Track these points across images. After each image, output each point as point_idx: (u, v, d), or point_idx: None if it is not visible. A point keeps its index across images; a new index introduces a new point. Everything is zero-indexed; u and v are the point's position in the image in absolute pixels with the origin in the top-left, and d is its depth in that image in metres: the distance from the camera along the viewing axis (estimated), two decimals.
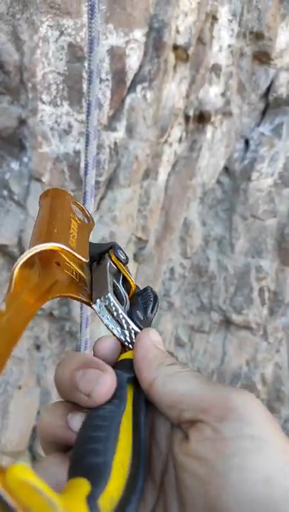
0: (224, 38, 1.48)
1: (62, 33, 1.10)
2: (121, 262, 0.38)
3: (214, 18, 1.43)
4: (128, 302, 0.37)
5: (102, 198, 1.32)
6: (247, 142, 1.68)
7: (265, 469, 0.23)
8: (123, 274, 0.38)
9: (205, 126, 1.57)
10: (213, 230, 1.74)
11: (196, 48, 1.40)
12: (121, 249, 0.40)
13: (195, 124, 1.57)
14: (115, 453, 0.26)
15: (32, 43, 1.08)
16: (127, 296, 0.38)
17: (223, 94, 1.55)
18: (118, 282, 0.38)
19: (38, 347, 1.50)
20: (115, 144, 1.26)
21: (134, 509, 0.25)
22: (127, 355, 0.34)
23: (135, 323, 0.35)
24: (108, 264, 0.38)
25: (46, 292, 0.33)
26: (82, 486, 0.24)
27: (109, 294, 0.34)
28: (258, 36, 1.56)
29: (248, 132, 1.69)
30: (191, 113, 1.47)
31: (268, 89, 1.64)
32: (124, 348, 0.35)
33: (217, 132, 1.61)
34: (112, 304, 0.34)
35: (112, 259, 0.38)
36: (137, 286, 0.39)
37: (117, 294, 0.37)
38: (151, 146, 1.35)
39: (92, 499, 0.23)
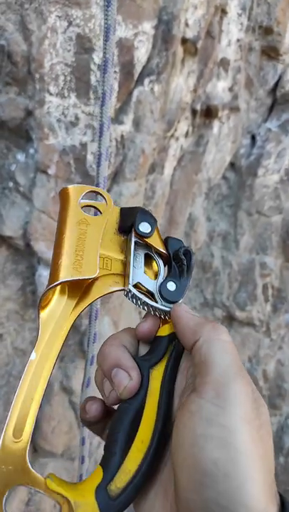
0: (233, 32, 1.46)
1: (70, 24, 1.09)
2: (144, 236, 0.40)
3: (223, 12, 1.41)
4: (162, 272, 0.40)
5: (107, 192, 1.32)
6: (254, 138, 1.67)
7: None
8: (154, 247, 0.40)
9: (212, 121, 1.56)
10: (218, 226, 1.73)
11: (205, 41, 1.38)
12: (145, 215, 0.40)
13: (202, 119, 1.55)
14: (137, 434, 0.32)
15: (40, 34, 1.07)
16: (161, 265, 0.40)
17: (230, 89, 1.54)
18: (152, 252, 0.41)
19: None
20: (122, 137, 1.25)
21: (142, 476, 0.31)
22: (164, 329, 0.38)
23: (164, 299, 0.38)
24: (132, 243, 0.40)
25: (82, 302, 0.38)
26: (97, 476, 0.31)
27: (129, 287, 0.38)
28: (267, 31, 1.55)
29: (254, 128, 1.68)
30: (198, 107, 1.46)
31: (276, 84, 1.63)
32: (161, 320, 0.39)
33: (224, 127, 1.60)
34: (134, 295, 0.38)
35: (136, 236, 0.40)
36: (169, 253, 0.40)
37: (150, 266, 0.40)
38: (157, 140, 1.34)
39: (100, 489, 0.30)
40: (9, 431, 0.33)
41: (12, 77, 1.10)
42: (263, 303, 1.75)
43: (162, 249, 0.40)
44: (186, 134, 1.52)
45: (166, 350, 0.36)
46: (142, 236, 0.40)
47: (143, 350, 0.38)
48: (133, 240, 0.40)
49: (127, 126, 1.25)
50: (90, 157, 1.21)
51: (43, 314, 0.37)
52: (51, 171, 1.19)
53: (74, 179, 1.22)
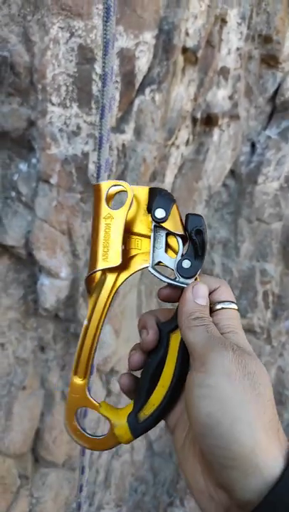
0: (233, 40, 1.48)
1: (72, 35, 1.10)
2: (160, 221, 0.45)
3: (223, 21, 1.42)
4: (181, 251, 0.45)
5: None
6: (253, 145, 1.68)
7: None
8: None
9: (212, 129, 1.56)
10: (219, 233, 1.74)
11: (205, 50, 1.39)
12: (162, 200, 0.45)
13: (202, 127, 1.56)
14: (160, 377, 0.43)
15: (42, 45, 1.07)
16: (180, 244, 0.45)
17: (230, 97, 1.55)
18: (171, 232, 0.46)
19: (42, 348, 1.49)
20: (123, 145, 1.25)
21: (162, 410, 0.43)
22: None
23: (181, 276, 0.45)
24: (152, 226, 0.46)
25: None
26: (129, 407, 0.44)
27: (149, 268, 0.46)
28: (267, 39, 1.56)
29: (254, 135, 1.68)
30: (198, 116, 1.47)
31: (275, 92, 1.64)
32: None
33: (224, 135, 1.61)
34: (155, 274, 0.45)
35: (154, 221, 0.45)
36: (187, 233, 0.45)
37: (172, 244, 0.46)
38: (158, 149, 1.34)
39: (130, 416, 0.44)
40: (75, 373, 0.48)
41: (15, 88, 1.10)
42: (264, 310, 1.75)
43: (179, 231, 0.45)
44: (187, 142, 1.52)
45: None
46: (158, 221, 0.45)
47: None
48: (153, 224, 0.45)
49: (128, 135, 1.26)
50: (91, 166, 1.21)
51: (91, 290, 0.47)
52: (53, 181, 1.19)
53: (76, 188, 1.23)
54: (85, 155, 1.20)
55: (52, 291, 1.32)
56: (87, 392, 0.48)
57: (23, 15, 1.05)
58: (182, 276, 0.45)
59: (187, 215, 0.46)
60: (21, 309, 1.41)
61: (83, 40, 1.11)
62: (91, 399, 0.48)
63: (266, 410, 0.34)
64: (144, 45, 1.21)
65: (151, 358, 0.44)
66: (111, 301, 0.47)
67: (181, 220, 0.46)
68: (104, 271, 0.46)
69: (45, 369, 1.50)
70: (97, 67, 1.14)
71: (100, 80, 1.14)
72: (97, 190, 0.47)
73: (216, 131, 1.58)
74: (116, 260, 0.45)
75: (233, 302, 0.44)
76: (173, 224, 0.45)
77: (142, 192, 0.46)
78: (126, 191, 0.46)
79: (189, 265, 0.45)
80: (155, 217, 0.45)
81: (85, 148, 1.20)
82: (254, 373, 0.36)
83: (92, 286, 0.47)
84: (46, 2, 1.05)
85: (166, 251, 0.46)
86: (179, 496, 2.10)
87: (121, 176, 1.30)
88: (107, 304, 0.47)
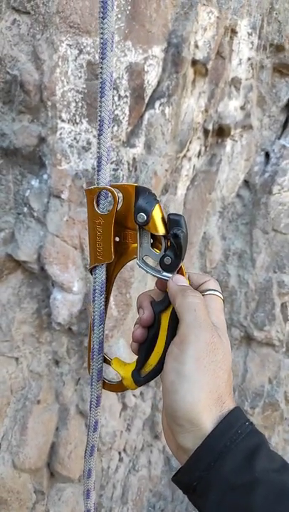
0: (244, 51, 1.47)
1: (81, 52, 1.11)
2: (142, 225, 0.49)
3: (233, 32, 1.42)
4: (163, 248, 0.50)
5: None
6: (267, 155, 1.65)
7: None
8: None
9: (224, 140, 1.55)
10: (234, 244, 1.71)
11: (215, 62, 1.39)
12: (142, 204, 0.48)
13: (214, 138, 1.55)
14: (155, 346, 0.51)
15: (51, 62, 1.09)
16: (163, 242, 0.50)
17: (242, 108, 1.53)
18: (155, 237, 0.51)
19: (56, 362, 1.49)
20: (134, 159, 1.25)
21: (157, 369, 0.51)
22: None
23: (164, 270, 0.51)
24: (137, 226, 0.50)
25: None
26: (133, 365, 0.54)
27: (137, 261, 0.52)
28: (279, 48, 1.54)
29: (268, 145, 1.66)
30: (210, 127, 1.46)
31: None
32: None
33: (237, 145, 1.59)
34: (141, 267, 0.52)
35: (136, 224, 0.50)
36: (169, 232, 0.49)
37: (153, 245, 0.52)
38: (170, 161, 1.34)
39: (134, 372, 0.53)
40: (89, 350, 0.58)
41: (25, 106, 1.12)
42: (282, 322, 1.71)
43: (160, 232, 0.49)
44: (199, 154, 1.51)
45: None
46: (140, 225, 0.49)
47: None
48: (137, 225, 0.50)
49: (138, 149, 1.26)
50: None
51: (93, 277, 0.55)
52: (64, 196, 1.20)
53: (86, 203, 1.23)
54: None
55: (65, 305, 1.32)
56: (104, 353, 0.59)
57: (33, 34, 1.07)
58: (165, 271, 0.51)
59: (168, 216, 0.49)
60: (35, 323, 1.41)
61: (92, 57, 1.12)
62: (106, 357, 0.58)
63: (218, 389, 0.44)
64: (153, 59, 1.21)
65: (149, 331, 0.53)
66: (113, 282, 0.56)
67: (163, 220, 0.49)
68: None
69: (60, 383, 1.50)
70: None
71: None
72: (87, 194, 0.52)
73: (228, 142, 1.56)
74: (109, 257, 0.52)
75: (219, 292, 0.52)
76: (154, 226, 0.49)
77: (130, 189, 0.50)
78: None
79: (170, 262, 0.50)
80: (137, 221, 0.49)
81: (95, 163, 1.20)
82: (219, 361, 0.45)
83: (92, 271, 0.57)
84: (55, 20, 1.06)
85: (152, 246, 0.52)
86: None
87: None
88: (110, 286, 0.56)
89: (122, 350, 1.46)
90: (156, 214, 0.48)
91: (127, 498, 1.83)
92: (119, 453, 1.77)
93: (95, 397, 0.59)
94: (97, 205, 0.51)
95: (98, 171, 0.52)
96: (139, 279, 1.40)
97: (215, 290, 0.52)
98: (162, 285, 0.53)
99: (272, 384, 1.80)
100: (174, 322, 0.50)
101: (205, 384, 0.44)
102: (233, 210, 1.70)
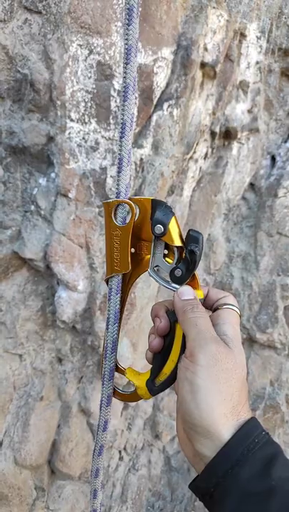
0: (252, 54, 1.47)
1: (91, 52, 1.12)
2: (159, 236, 0.51)
3: (242, 35, 1.42)
4: (176, 259, 0.52)
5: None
6: (274, 158, 1.66)
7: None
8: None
9: (231, 143, 1.56)
10: (238, 247, 1.72)
11: (224, 65, 1.39)
12: (160, 216, 0.51)
13: (221, 141, 1.56)
14: (169, 355, 0.52)
15: (62, 62, 1.10)
16: (176, 253, 0.52)
17: (250, 111, 1.54)
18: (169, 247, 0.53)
19: (60, 360, 1.50)
20: (141, 160, 1.26)
21: (171, 378, 0.52)
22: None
23: (174, 281, 0.53)
24: (153, 237, 0.53)
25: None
26: (147, 374, 0.55)
27: (148, 271, 0.55)
28: (287, 53, 1.55)
29: (274, 148, 1.67)
30: (217, 130, 1.46)
31: None
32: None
33: (243, 148, 1.59)
34: (152, 276, 0.54)
35: (153, 235, 0.52)
36: (184, 244, 0.51)
37: (166, 256, 0.54)
38: (176, 163, 1.34)
39: (148, 381, 0.55)
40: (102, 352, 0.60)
41: (34, 104, 1.13)
42: (285, 325, 1.71)
43: (177, 243, 0.51)
44: (205, 156, 1.52)
45: None
46: (156, 236, 0.52)
47: None
48: (153, 236, 0.53)
49: (146, 150, 1.27)
50: (109, 180, 1.22)
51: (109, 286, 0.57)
52: (71, 195, 1.21)
53: (94, 202, 1.24)
54: (103, 169, 1.21)
55: (69, 303, 1.33)
56: (117, 361, 0.61)
57: (44, 33, 1.08)
58: (174, 282, 0.53)
59: (188, 232, 0.51)
60: (39, 321, 1.42)
61: (102, 57, 1.13)
62: (119, 365, 0.60)
63: (232, 398, 0.46)
64: (163, 61, 1.22)
65: (164, 340, 0.54)
66: (128, 293, 0.58)
67: (179, 231, 0.52)
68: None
69: (63, 381, 1.51)
70: (116, 84, 1.16)
71: (118, 96, 1.16)
72: (105, 207, 0.54)
73: (235, 145, 1.57)
74: (126, 267, 0.55)
75: (236, 307, 0.54)
76: (170, 237, 0.51)
77: (146, 203, 0.53)
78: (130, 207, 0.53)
79: (180, 274, 0.52)
80: (154, 232, 0.52)
81: (103, 163, 1.21)
82: (230, 369, 0.46)
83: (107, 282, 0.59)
84: (66, 20, 1.07)
85: (165, 256, 0.54)
86: None
87: (138, 191, 1.30)
88: (125, 296, 0.59)
89: (125, 350, 1.46)
90: (173, 226, 0.51)
91: (126, 496, 1.84)
92: (120, 452, 1.78)
93: (106, 397, 0.60)
94: (115, 217, 0.54)
95: (119, 172, 0.53)
96: (143, 279, 1.40)
97: (232, 305, 0.54)
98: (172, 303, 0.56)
99: (273, 386, 1.80)
100: None
101: (217, 392, 0.45)
102: (238, 212, 1.71)
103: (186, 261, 0.51)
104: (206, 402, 0.45)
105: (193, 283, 0.53)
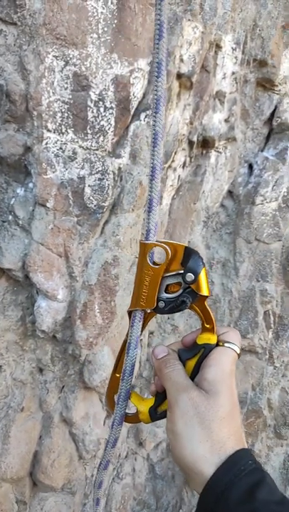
0: (228, 65, 1.50)
1: (67, 63, 1.13)
2: (187, 283, 0.56)
3: (218, 47, 1.45)
4: (179, 293, 0.58)
5: (106, 223, 1.33)
6: (251, 167, 1.69)
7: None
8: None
9: (209, 152, 1.58)
10: (217, 253, 1.74)
11: (200, 75, 1.42)
12: (193, 266, 0.55)
13: (199, 150, 1.58)
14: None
15: (38, 73, 1.10)
16: (180, 290, 0.58)
17: (227, 120, 1.57)
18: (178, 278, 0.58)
19: (40, 370, 1.49)
20: (119, 169, 1.27)
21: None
22: (200, 338, 0.59)
23: (176, 309, 0.59)
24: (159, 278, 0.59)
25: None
26: (151, 401, 0.61)
27: (148, 310, 0.62)
28: (262, 63, 1.58)
29: (252, 157, 1.70)
30: (195, 139, 1.48)
31: (272, 114, 1.66)
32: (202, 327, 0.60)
33: (221, 157, 1.62)
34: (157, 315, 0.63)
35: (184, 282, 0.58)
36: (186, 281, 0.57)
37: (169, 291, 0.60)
38: None
39: (152, 409, 0.60)
40: (115, 371, 0.65)
41: (11, 115, 1.13)
42: (265, 330, 1.73)
43: (204, 293, 0.57)
44: (184, 165, 1.54)
45: (198, 351, 0.58)
46: (187, 283, 0.56)
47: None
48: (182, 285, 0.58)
49: (124, 159, 1.28)
50: (87, 190, 1.23)
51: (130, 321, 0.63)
52: (50, 204, 1.21)
53: (72, 212, 1.24)
54: (81, 179, 1.22)
55: (49, 313, 1.32)
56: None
57: (19, 45, 1.08)
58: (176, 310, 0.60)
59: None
60: (19, 331, 1.41)
61: (78, 68, 1.14)
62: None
63: (209, 438, 0.50)
64: (139, 72, 1.23)
65: None
66: (146, 325, 0.64)
67: (207, 282, 0.57)
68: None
69: (44, 391, 1.50)
70: (92, 94, 1.17)
71: (94, 106, 1.17)
72: (142, 247, 0.59)
73: (213, 154, 1.59)
74: (152, 305, 0.60)
75: (235, 344, 0.57)
76: (199, 286, 0.56)
77: (179, 248, 0.58)
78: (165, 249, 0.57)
79: (185, 307, 0.58)
80: (185, 279, 0.56)
81: (80, 173, 1.21)
82: (203, 412, 0.51)
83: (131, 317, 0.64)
84: (41, 32, 1.08)
85: (169, 288, 0.60)
86: None
87: (117, 200, 1.31)
88: (144, 327, 0.64)
89: (106, 358, 1.46)
90: (203, 276, 0.57)
91: (110, 506, 1.83)
92: None
93: (119, 416, 0.64)
94: (150, 258, 0.58)
95: (149, 212, 0.56)
96: (124, 287, 1.41)
97: (230, 343, 0.57)
98: (186, 341, 0.61)
99: (255, 391, 1.82)
100: (196, 368, 0.57)
101: (192, 437, 0.50)
102: (217, 219, 1.73)
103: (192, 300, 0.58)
104: (185, 448, 0.50)
105: (211, 329, 0.58)
